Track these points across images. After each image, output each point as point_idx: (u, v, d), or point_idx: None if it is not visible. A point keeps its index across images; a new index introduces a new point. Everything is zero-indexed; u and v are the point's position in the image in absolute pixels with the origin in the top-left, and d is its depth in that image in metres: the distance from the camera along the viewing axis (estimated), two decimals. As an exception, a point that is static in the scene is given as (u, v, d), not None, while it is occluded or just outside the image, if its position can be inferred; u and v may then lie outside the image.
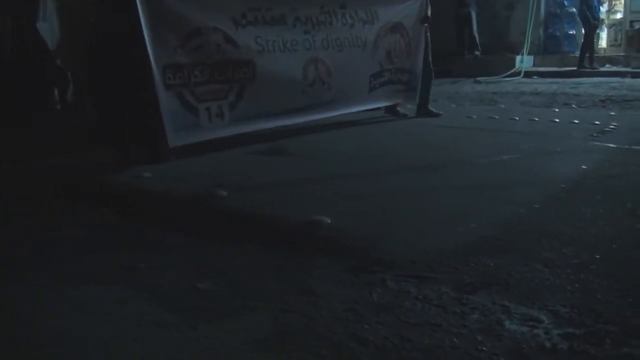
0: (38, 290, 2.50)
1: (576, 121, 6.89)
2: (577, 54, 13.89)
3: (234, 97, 5.26)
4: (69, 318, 2.25)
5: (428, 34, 7.48)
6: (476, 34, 14.42)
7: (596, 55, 14.30)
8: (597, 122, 6.77)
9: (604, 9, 15.53)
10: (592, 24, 13.00)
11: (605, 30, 16.12)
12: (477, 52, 14.34)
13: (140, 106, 4.73)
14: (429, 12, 7.42)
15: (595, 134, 6.04)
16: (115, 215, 3.56)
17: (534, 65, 14.63)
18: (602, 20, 15.11)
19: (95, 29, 4.95)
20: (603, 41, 16.08)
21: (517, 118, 7.17)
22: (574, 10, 15.21)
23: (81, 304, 2.37)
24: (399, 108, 7.57)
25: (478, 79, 12.55)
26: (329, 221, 3.26)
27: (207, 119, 5.03)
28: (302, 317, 2.21)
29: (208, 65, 5.01)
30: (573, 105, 8.53)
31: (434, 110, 7.57)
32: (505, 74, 12.95)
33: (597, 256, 2.73)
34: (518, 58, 13.84)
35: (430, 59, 7.50)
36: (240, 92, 5.30)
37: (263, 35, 5.49)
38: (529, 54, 14.26)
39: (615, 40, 15.16)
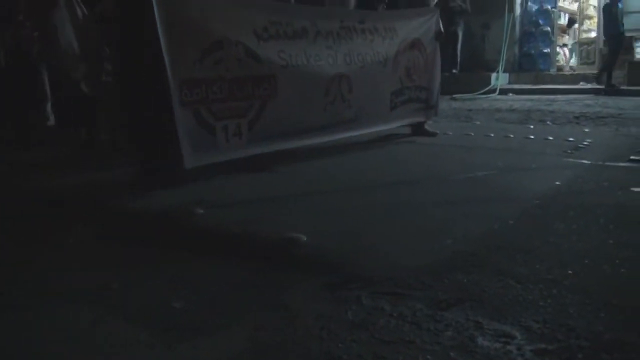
0: (12, 309, 2.47)
1: (550, 138, 6.97)
2: (552, 71, 14.09)
3: (254, 114, 4.95)
4: (42, 338, 2.23)
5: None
6: (458, 53, 14.58)
7: (569, 73, 14.55)
8: (571, 139, 6.85)
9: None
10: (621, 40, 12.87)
11: (575, 48, 16.41)
12: (454, 70, 14.49)
13: (156, 124, 4.53)
14: (442, 28, 7.35)
15: (569, 151, 6.11)
16: (90, 233, 3.54)
17: (509, 82, 14.84)
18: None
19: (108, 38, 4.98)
20: (573, 59, 16.36)
21: (492, 134, 7.24)
22: (549, 29, 15.49)
23: (55, 324, 2.34)
24: (427, 127, 7.36)
25: (454, 96, 12.66)
26: (305, 238, 3.26)
27: (225, 138, 4.72)
28: (276, 334, 2.21)
29: (227, 81, 4.70)
30: (548, 122, 8.64)
31: (430, 129, 7.41)
32: (481, 91, 13.11)
33: (570, 272, 2.75)
34: (493, 75, 14.03)
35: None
36: (261, 109, 5.00)
37: (286, 49, 5.23)
38: (504, 71, 14.47)
39: (588, 58, 15.41)
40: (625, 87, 12.71)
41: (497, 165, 5.36)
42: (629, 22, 13.98)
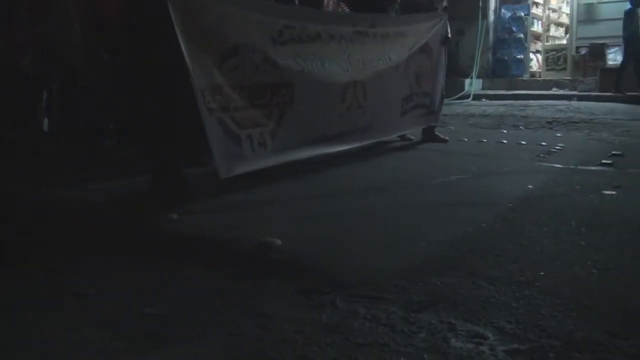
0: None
1: (523, 142, 7.06)
2: (525, 77, 14.24)
3: (274, 123, 4.71)
4: (16, 345, 2.20)
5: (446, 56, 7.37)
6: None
7: (542, 79, 14.74)
8: (543, 143, 6.95)
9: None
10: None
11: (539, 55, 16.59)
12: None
13: (185, 133, 4.34)
14: (449, 33, 7.32)
15: (541, 155, 6.19)
16: (62, 240, 3.50)
17: (483, 88, 14.98)
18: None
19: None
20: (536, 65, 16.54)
21: (465, 139, 7.32)
22: (522, 35, 15.67)
23: (30, 331, 2.31)
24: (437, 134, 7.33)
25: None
26: (280, 243, 3.26)
27: (250, 148, 4.46)
28: (251, 340, 2.20)
29: (246, 89, 4.43)
30: (521, 127, 8.75)
31: (441, 135, 7.33)
32: (455, 97, 13.21)
33: (542, 273, 2.79)
34: (467, 81, 14.16)
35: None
36: (280, 117, 4.77)
37: (302, 54, 5.02)
38: (478, 77, 14.60)
39: (557, 64, 15.58)
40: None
41: (470, 170, 5.42)
42: (602, 29, 14.24)
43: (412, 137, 7.42)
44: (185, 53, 3.89)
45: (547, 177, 5.09)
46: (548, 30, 17.61)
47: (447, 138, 7.27)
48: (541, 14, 17.53)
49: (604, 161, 5.75)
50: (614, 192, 4.46)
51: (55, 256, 3.22)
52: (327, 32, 5.34)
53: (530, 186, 4.67)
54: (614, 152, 6.25)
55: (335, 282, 2.72)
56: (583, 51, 14.84)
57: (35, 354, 2.14)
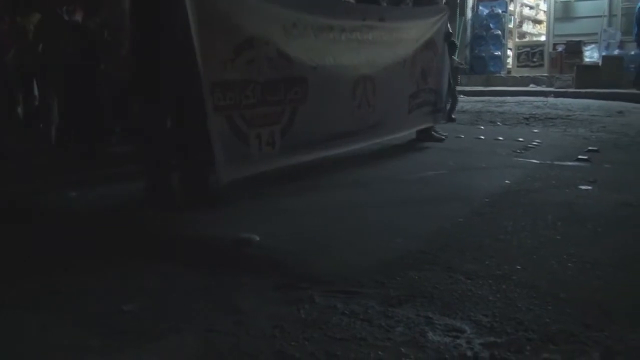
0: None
1: (501, 138, 7.11)
2: (502, 74, 14.34)
3: (286, 121, 4.45)
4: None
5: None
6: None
7: (520, 75, 14.84)
8: (520, 139, 7.00)
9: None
10: None
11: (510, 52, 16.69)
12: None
13: (187, 133, 4.08)
14: (450, 29, 7.18)
15: (518, 150, 6.24)
16: (39, 238, 3.46)
17: (461, 84, 15.04)
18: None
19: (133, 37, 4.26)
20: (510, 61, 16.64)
21: (444, 135, 7.34)
22: (499, 32, 15.77)
23: (4, 329, 2.28)
24: (434, 132, 7.06)
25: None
26: (258, 238, 3.25)
27: (258, 147, 4.19)
28: (228, 336, 2.19)
29: (259, 84, 4.17)
30: (498, 123, 8.80)
31: (437, 133, 7.10)
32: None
33: (518, 267, 2.81)
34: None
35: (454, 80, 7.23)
36: (292, 115, 4.50)
37: (315, 48, 4.76)
38: (456, 74, 14.66)
39: (532, 61, 15.68)
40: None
41: (448, 165, 5.44)
42: (578, 27, 14.38)
43: (445, 135, 7.17)
44: (195, 43, 3.65)
45: (524, 172, 5.13)
46: (520, 26, 17.73)
47: (444, 136, 7.11)
48: (517, 10, 17.64)
49: (580, 156, 5.81)
50: (589, 187, 4.51)
51: (35, 255, 3.17)
52: (339, 25, 5.12)
53: (507, 181, 4.70)
54: (590, 148, 6.32)
55: (313, 278, 2.72)
56: (560, 48, 14.96)
57: (8, 351, 2.11)
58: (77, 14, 6.46)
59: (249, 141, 4.11)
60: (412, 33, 6.22)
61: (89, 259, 3.07)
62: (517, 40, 17.14)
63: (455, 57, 7.96)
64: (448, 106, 7.59)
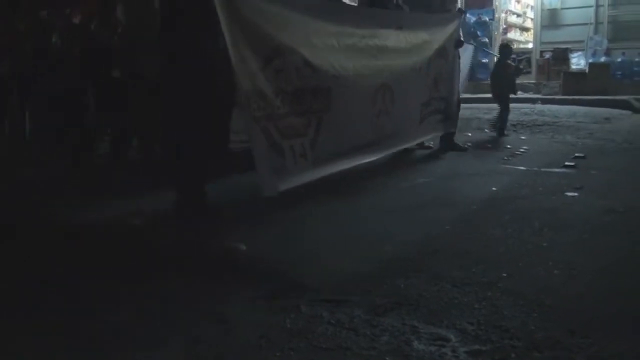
0: None
1: (488, 145, 7.13)
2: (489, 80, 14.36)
3: (313, 132, 4.28)
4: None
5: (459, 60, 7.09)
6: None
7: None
8: (508, 146, 7.03)
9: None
10: None
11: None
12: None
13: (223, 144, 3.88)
14: (461, 36, 7.06)
15: (506, 157, 6.27)
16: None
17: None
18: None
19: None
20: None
21: (431, 143, 7.34)
22: (487, 40, 15.83)
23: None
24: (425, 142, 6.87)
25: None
26: (244, 247, 3.24)
27: (293, 160, 4.02)
28: (214, 346, 2.18)
29: (288, 94, 4.02)
30: (485, 130, 8.81)
31: (460, 144, 6.90)
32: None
33: (504, 274, 2.82)
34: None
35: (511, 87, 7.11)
36: (318, 126, 4.34)
37: (337, 56, 4.60)
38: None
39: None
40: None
41: (436, 172, 5.46)
42: (565, 34, 14.47)
43: (432, 145, 7.08)
44: (230, 51, 3.49)
45: (511, 179, 5.15)
46: (506, 34, 17.81)
47: (467, 146, 6.95)
48: (502, 17, 17.72)
49: (566, 163, 5.84)
50: (576, 194, 4.53)
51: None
52: (359, 32, 4.98)
53: (494, 188, 4.71)
54: (576, 155, 6.34)
55: (300, 286, 2.72)
56: (547, 55, 15.05)
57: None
58: (75, 18, 6.38)
59: (284, 153, 3.95)
60: (428, 40, 6.11)
61: (67, 265, 3.04)
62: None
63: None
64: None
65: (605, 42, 14.01)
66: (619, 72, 13.00)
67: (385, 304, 2.49)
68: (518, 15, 18.14)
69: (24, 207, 4.32)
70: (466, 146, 6.93)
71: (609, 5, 14.08)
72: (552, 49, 14.90)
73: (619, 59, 13.40)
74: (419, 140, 6.33)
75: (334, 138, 4.48)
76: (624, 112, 10.65)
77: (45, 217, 4.06)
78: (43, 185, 5.04)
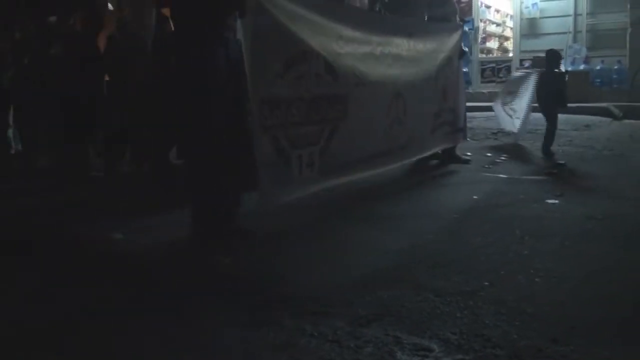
0: None
1: (469, 153, 7.14)
2: (471, 89, 14.46)
3: (325, 141, 4.10)
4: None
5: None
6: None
7: (488, 91, 15.00)
8: (489, 154, 7.06)
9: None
10: None
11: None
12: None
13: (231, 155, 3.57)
14: (463, 47, 6.93)
15: (487, 165, 6.29)
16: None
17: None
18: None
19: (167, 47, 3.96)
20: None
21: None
22: (466, 49, 15.92)
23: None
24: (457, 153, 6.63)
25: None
26: (227, 260, 3.22)
27: (298, 170, 3.85)
28: (195, 360, 2.17)
29: (306, 102, 3.87)
30: (467, 139, 8.84)
31: (461, 155, 6.66)
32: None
33: (486, 283, 2.83)
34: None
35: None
36: (331, 134, 4.16)
37: (356, 64, 4.46)
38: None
39: (498, 76, 15.86)
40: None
41: (415, 181, 5.46)
42: (545, 43, 14.60)
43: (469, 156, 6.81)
44: (245, 55, 3.38)
45: (492, 187, 5.18)
46: (484, 43, 17.94)
47: (469, 157, 6.71)
48: (482, 26, 17.85)
49: (548, 170, 5.88)
50: (556, 201, 4.57)
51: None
52: (376, 39, 4.85)
53: (475, 197, 4.74)
54: (557, 162, 6.40)
55: (283, 298, 2.71)
56: (527, 64, 15.17)
57: None
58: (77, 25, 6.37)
59: (291, 163, 3.79)
60: (436, 49, 6.00)
61: (43, 280, 3.02)
62: (481, 55, 17.31)
63: None
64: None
65: (584, 50, 14.16)
66: (598, 80, 13.15)
67: (368, 315, 2.49)
68: (497, 25, 18.28)
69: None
70: (468, 158, 6.69)
71: (587, 14, 14.24)
72: (531, 58, 15.05)
73: (598, 67, 13.55)
74: (430, 152, 6.11)
75: (346, 147, 4.32)
76: (603, 119, 10.74)
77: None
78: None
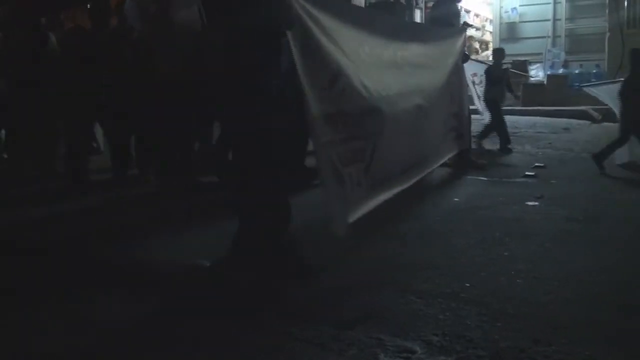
0: None
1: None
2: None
3: (369, 157, 3.81)
4: None
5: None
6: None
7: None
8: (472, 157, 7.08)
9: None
10: None
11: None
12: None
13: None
14: (466, 51, 6.81)
15: (467, 168, 6.31)
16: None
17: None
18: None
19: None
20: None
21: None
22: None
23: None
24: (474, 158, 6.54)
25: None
26: (209, 264, 3.20)
27: (351, 189, 3.52)
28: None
29: (349, 117, 3.58)
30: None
31: (477, 160, 6.57)
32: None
33: (467, 284, 2.85)
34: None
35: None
36: (372, 151, 3.86)
37: (385, 74, 4.22)
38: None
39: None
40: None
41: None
42: (524, 47, 14.74)
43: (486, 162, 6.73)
44: (300, 72, 3.13)
45: (473, 189, 5.22)
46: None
47: (485, 162, 6.62)
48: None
49: (527, 173, 5.94)
50: (536, 203, 4.61)
51: None
52: (397, 46, 4.60)
53: (456, 199, 4.77)
54: (536, 164, 6.46)
55: (268, 302, 2.70)
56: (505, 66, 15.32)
57: None
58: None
59: (344, 182, 3.45)
60: (445, 55, 5.85)
61: (29, 290, 2.98)
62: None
63: None
64: None
65: (563, 54, 14.33)
66: (577, 84, 13.31)
67: (351, 318, 2.49)
68: (477, 29, 18.43)
69: None
70: (485, 162, 6.59)
71: (566, 19, 14.43)
72: (511, 61, 15.19)
73: (577, 71, 13.72)
74: (442, 161, 5.80)
75: (384, 163, 4.02)
76: (582, 122, 10.88)
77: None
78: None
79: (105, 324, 2.54)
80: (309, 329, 2.41)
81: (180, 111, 5.03)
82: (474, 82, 9.30)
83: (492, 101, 8.16)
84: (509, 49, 15.46)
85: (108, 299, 2.80)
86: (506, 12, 15.28)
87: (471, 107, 7.65)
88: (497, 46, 15.84)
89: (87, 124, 6.09)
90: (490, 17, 16.68)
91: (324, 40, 3.40)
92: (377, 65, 4.14)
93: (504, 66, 8.59)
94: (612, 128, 9.79)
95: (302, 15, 3.21)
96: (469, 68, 8.07)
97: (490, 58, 11.44)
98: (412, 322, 2.44)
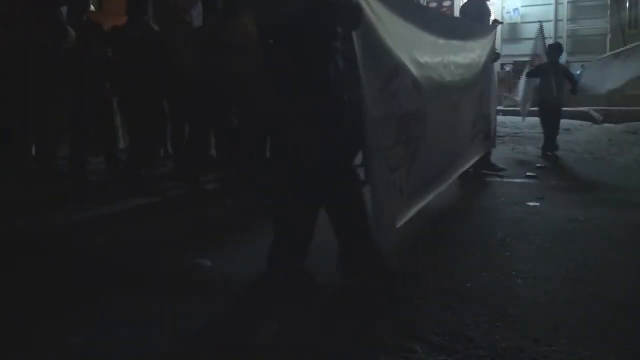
0: None
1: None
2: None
3: (409, 163, 3.53)
4: None
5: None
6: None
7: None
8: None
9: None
10: None
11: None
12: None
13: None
14: (497, 49, 6.49)
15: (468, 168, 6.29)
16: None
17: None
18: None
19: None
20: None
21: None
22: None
23: None
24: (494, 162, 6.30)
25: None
26: (209, 264, 3.20)
27: (397, 195, 3.32)
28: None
29: (396, 120, 3.30)
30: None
31: (497, 164, 6.30)
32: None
33: (468, 284, 2.84)
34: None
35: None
36: (413, 156, 3.59)
37: (432, 73, 3.97)
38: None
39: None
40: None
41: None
42: (525, 48, 14.73)
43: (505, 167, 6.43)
44: (362, 73, 2.94)
45: (474, 189, 5.20)
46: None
47: (505, 167, 6.35)
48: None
49: (528, 173, 5.93)
50: (537, 204, 4.60)
51: None
52: (443, 43, 4.35)
53: (456, 199, 4.76)
54: (537, 165, 6.46)
55: (262, 302, 2.68)
56: (508, 68, 15.31)
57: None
58: None
59: (390, 188, 3.24)
60: (478, 52, 5.52)
61: (30, 288, 2.98)
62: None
63: None
64: None
65: (565, 55, 14.33)
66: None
67: (351, 320, 2.48)
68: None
69: None
70: (504, 167, 6.34)
71: (568, 19, 14.43)
72: (512, 62, 15.18)
73: (578, 72, 13.70)
74: (471, 163, 5.52)
75: (423, 167, 3.78)
76: (583, 123, 10.88)
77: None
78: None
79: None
80: (305, 331, 2.41)
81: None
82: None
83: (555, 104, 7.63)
84: (511, 49, 15.52)
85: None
86: (508, 12, 15.27)
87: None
88: (499, 47, 15.89)
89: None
90: (492, 17, 16.62)
91: (384, 36, 3.18)
92: (428, 63, 3.91)
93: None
94: (614, 129, 9.83)
95: (366, 10, 2.98)
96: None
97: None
98: (412, 321, 2.44)
